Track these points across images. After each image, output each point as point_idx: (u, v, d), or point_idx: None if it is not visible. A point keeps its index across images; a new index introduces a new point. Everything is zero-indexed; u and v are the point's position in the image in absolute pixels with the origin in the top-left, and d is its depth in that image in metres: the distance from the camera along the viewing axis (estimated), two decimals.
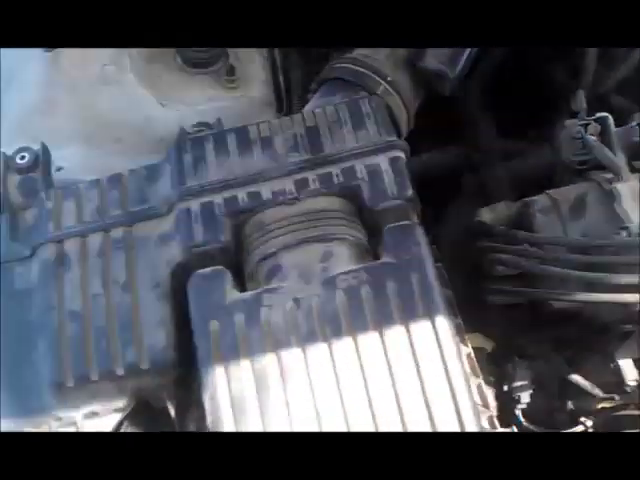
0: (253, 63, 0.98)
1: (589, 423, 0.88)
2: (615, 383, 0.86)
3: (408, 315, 0.68)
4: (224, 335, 0.68)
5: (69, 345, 0.70)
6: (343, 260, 0.72)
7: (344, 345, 0.68)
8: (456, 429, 0.63)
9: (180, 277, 0.73)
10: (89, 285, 0.73)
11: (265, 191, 0.75)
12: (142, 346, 0.70)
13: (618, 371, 0.86)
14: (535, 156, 1.04)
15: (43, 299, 0.73)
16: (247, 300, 0.70)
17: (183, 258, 0.73)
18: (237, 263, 0.74)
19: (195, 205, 0.75)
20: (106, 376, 0.69)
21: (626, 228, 0.74)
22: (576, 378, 0.88)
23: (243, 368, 0.67)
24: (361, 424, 0.64)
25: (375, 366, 0.67)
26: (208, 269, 0.72)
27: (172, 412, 0.74)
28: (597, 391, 0.87)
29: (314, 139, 0.78)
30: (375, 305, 0.69)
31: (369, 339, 0.68)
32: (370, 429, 0.64)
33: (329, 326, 0.68)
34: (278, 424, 0.65)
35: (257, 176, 0.76)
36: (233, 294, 0.70)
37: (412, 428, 0.63)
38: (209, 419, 0.66)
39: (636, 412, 0.87)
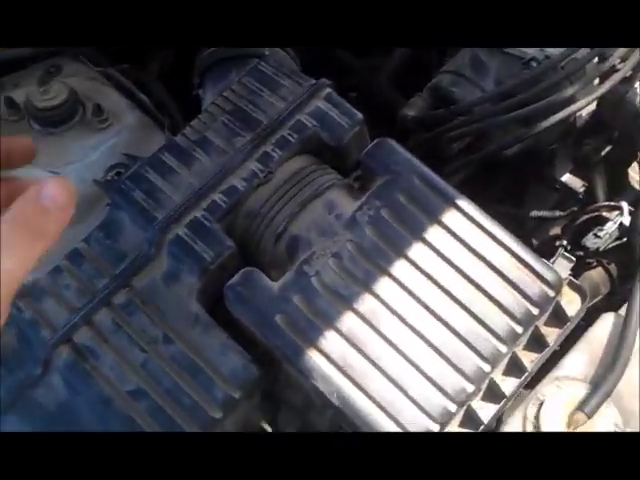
0: (107, 95, 0.92)
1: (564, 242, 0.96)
2: (568, 198, 0.96)
3: (434, 213, 0.71)
4: (296, 321, 0.67)
5: (150, 423, 0.64)
6: (346, 202, 0.73)
7: (403, 267, 0.69)
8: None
9: (210, 299, 0.70)
10: (129, 359, 0.67)
11: (238, 182, 0.73)
12: (224, 377, 0.66)
13: (565, 187, 0.96)
14: None
15: (89, 401, 0.66)
16: (293, 280, 0.68)
17: (202, 282, 0.70)
18: (248, 262, 0.72)
19: (181, 230, 0.71)
20: (209, 426, 0.65)
21: (531, 59, 0.82)
22: (536, 213, 0.98)
23: (332, 338, 0.66)
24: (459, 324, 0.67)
25: (439, 266, 0.69)
26: (236, 277, 0.69)
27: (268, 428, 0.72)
28: (558, 213, 0.97)
29: (245, 118, 0.77)
30: (402, 219, 0.71)
31: (418, 250, 0.70)
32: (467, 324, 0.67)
33: (378, 258, 0.69)
34: (392, 363, 0.66)
35: (220, 174, 0.73)
36: (274, 284, 0.69)
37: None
38: (334, 396, 0.64)
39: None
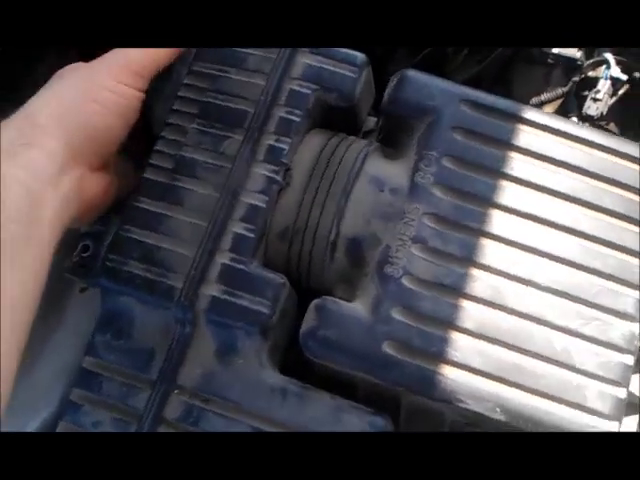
0: None
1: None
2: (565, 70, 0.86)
3: (506, 139, 0.55)
4: (409, 341, 0.51)
5: None
6: (392, 169, 0.56)
7: (502, 220, 0.54)
8: None
9: (281, 358, 0.53)
10: None
11: (254, 199, 0.54)
12: None
13: (559, 57, 0.85)
14: None
15: None
16: (380, 291, 0.52)
17: (269, 343, 0.52)
18: (301, 293, 0.55)
19: (213, 288, 0.53)
20: None
21: None
22: (538, 99, 0.85)
23: (460, 342, 0.51)
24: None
25: (541, 201, 0.54)
26: (308, 318, 0.52)
27: None
28: (560, 90, 0.86)
29: (222, 114, 0.57)
30: (471, 162, 0.55)
31: (510, 192, 0.54)
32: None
33: (468, 220, 0.53)
34: (543, 343, 0.51)
35: (228, 198, 0.54)
36: (358, 308, 0.52)
37: None
38: (497, 412, 0.49)
39: None
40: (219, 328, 0.52)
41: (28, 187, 0.48)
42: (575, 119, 0.88)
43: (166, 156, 0.57)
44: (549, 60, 0.86)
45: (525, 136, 0.56)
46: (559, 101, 0.90)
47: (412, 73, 0.58)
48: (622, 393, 0.50)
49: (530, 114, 0.57)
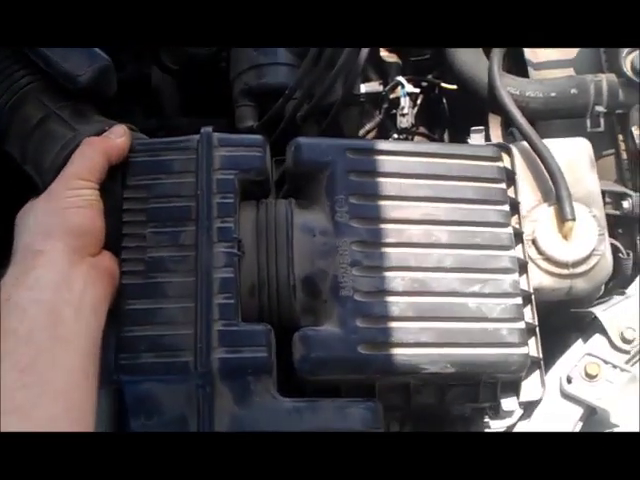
0: None
1: None
2: None
3: (387, 170, 0.74)
4: (375, 339, 0.68)
5: None
6: (312, 217, 0.72)
7: (407, 230, 0.72)
8: None
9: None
10: None
11: (223, 273, 0.68)
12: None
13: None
14: None
15: None
16: (342, 311, 0.69)
17: (274, 379, 0.67)
18: (278, 332, 0.70)
19: (218, 352, 0.66)
20: None
21: None
22: None
23: (412, 326, 0.69)
24: None
25: (426, 206, 0.73)
26: (298, 349, 0.67)
27: None
28: None
29: (170, 214, 0.69)
30: (370, 194, 0.73)
31: (405, 207, 0.73)
32: None
33: (384, 237, 0.71)
34: (463, 309, 0.70)
35: (203, 277, 0.67)
36: (330, 329, 0.68)
37: None
38: (448, 367, 0.68)
39: None
40: (233, 380, 0.65)
41: (41, 302, 0.60)
42: (396, 135, 1.09)
43: (135, 261, 0.68)
44: (361, 99, 1.03)
45: (397, 162, 0.74)
46: (377, 127, 1.11)
47: (304, 139, 0.74)
48: (522, 325, 0.71)
49: (392, 146, 0.76)
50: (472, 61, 0.89)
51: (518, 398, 0.72)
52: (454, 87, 1.03)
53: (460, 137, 0.97)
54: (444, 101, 1.10)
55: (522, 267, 0.75)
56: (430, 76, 1.09)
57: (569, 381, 0.72)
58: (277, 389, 0.67)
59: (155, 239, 0.69)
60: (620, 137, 0.89)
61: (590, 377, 0.72)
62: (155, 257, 0.68)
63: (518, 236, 0.76)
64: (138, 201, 0.70)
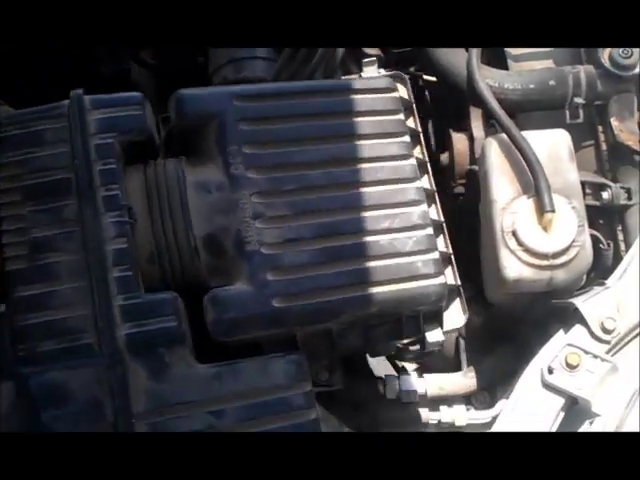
0: None
1: None
2: None
3: (279, 114, 0.70)
4: (288, 289, 0.65)
5: None
6: (206, 171, 0.68)
7: (309, 172, 0.68)
8: None
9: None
10: None
11: (116, 244, 0.63)
12: (290, 386, 0.63)
13: None
14: None
15: None
16: (250, 266, 0.65)
17: (189, 346, 0.63)
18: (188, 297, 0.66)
19: (123, 329, 0.61)
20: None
21: None
22: None
23: (327, 271, 0.66)
24: None
25: (327, 147, 0.70)
26: (209, 312, 0.64)
27: None
28: None
29: (48, 189, 0.63)
30: (264, 141, 0.69)
31: (304, 151, 0.69)
32: None
33: (284, 184, 0.67)
34: (377, 247, 0.68)
35: (96, 250, 0.62)
36: (241, 286, 0.65)
37: None
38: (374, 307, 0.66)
39: None
40: (145, 356, 0.61)
41: None
42: None
43: (17, 245, 0.62)
44: None
45: (289, 105, 0.71)
46: None
47: (186, 90, 0.69)
48: (436, 255, 0.69)
49: (282, 87, 0.72)
50: (450, 54, 0.88)
51: (442, 328, 0.71)
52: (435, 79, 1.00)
53: (444, 128, 0.97)
54: (426, 93, 1.05)
55: (430, 197, 0.74)
56: (412, 68, 1.05)
57: (550, 371, 0.72)
58: (195, 356, 0.64)
59: (36, 218, 0.63)
60: (600, 128, 0.90)
61: (571, 367, 0.71)
62: (38, 237, 0.62)
63: (423, 166, 0.74)
64: (12, 179, 0.64)
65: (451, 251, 0.73)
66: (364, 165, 0.70)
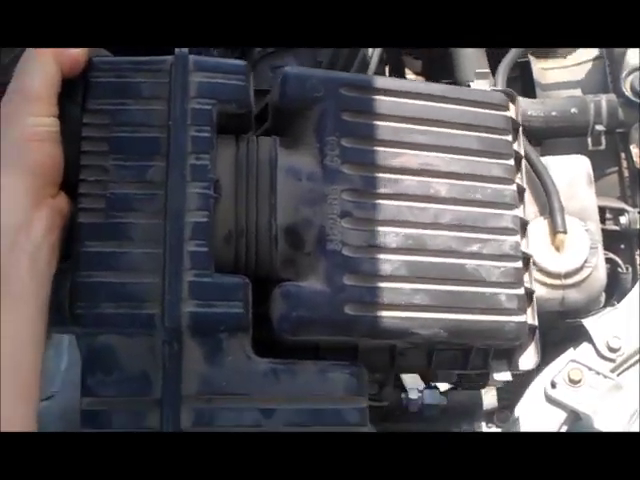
0: None
1: None
2: None
3: (385, 112, 0.66)
4: (361, 298, 0.62)
5: None
6: (300, 159, 0.64)
7: (405, 179, 0.65)
8: None
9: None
10: None
11: (197, 217, 0.59)
12: (345, 398, 0.60)
13: None
14: None
15: None
16: (328, 266, 0.62)
17: (249, 336, 0.59)
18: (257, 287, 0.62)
19: (188, 305, 0.58)
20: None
21: None
22: None
23: (401, 289, 0.62)
24: None
25: (428, 155, 0.66)
26: (278, 305, 0.60)
27: None
28: None
29: (136, 145, 0.60)
30: (364, 136, 0.65)
31: (403, 154, 0.65)
32: None
33: (378, 187, 0.64)
34: (459, 270, 0.64)
35: (174, 221, 0.58)
36: (314, 285, 0.61)
37: None
38: (441, 333, 0.62)
39: None
40: (204, 337, 0.58)
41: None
42: None
43: (95, 197, 0.59)
44: None
45: (397, 104, 0.66)
46: None
47: (294, 69, 0.65)
48: (521, 290, 0.65)
49: (393, 84, 0.68)
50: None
51: (511, 368, 0.67)
52: None
53: None
54: None
55: (523, 228, 0.69)
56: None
57: (553, 386, 0.75)
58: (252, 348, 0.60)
59: (118, 173, 0.60)
60: (623, 155, 0.93)
61: (573, 382, 0.75)
62: (118, 194, 0.59)
63: (520, 194, 0.70)
64: (100, 128, 0.61)
65: (535, 289, 0.68)
66: (463, 182, 0.66)
